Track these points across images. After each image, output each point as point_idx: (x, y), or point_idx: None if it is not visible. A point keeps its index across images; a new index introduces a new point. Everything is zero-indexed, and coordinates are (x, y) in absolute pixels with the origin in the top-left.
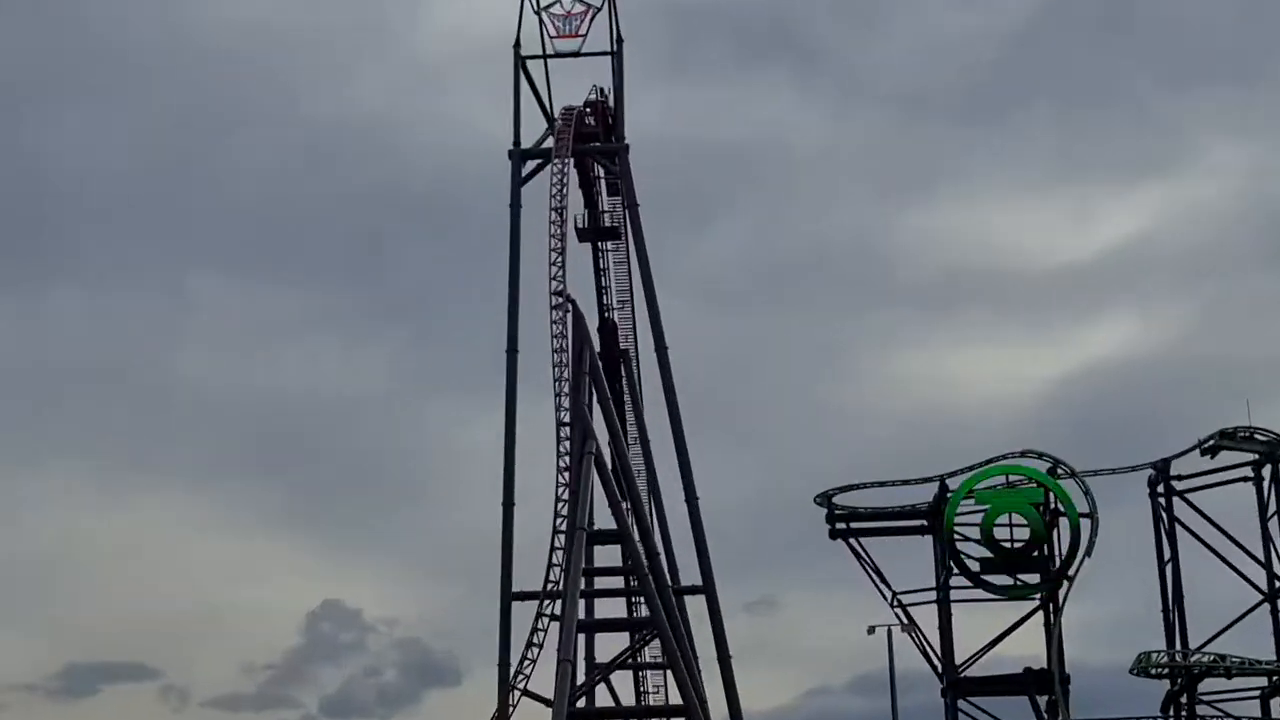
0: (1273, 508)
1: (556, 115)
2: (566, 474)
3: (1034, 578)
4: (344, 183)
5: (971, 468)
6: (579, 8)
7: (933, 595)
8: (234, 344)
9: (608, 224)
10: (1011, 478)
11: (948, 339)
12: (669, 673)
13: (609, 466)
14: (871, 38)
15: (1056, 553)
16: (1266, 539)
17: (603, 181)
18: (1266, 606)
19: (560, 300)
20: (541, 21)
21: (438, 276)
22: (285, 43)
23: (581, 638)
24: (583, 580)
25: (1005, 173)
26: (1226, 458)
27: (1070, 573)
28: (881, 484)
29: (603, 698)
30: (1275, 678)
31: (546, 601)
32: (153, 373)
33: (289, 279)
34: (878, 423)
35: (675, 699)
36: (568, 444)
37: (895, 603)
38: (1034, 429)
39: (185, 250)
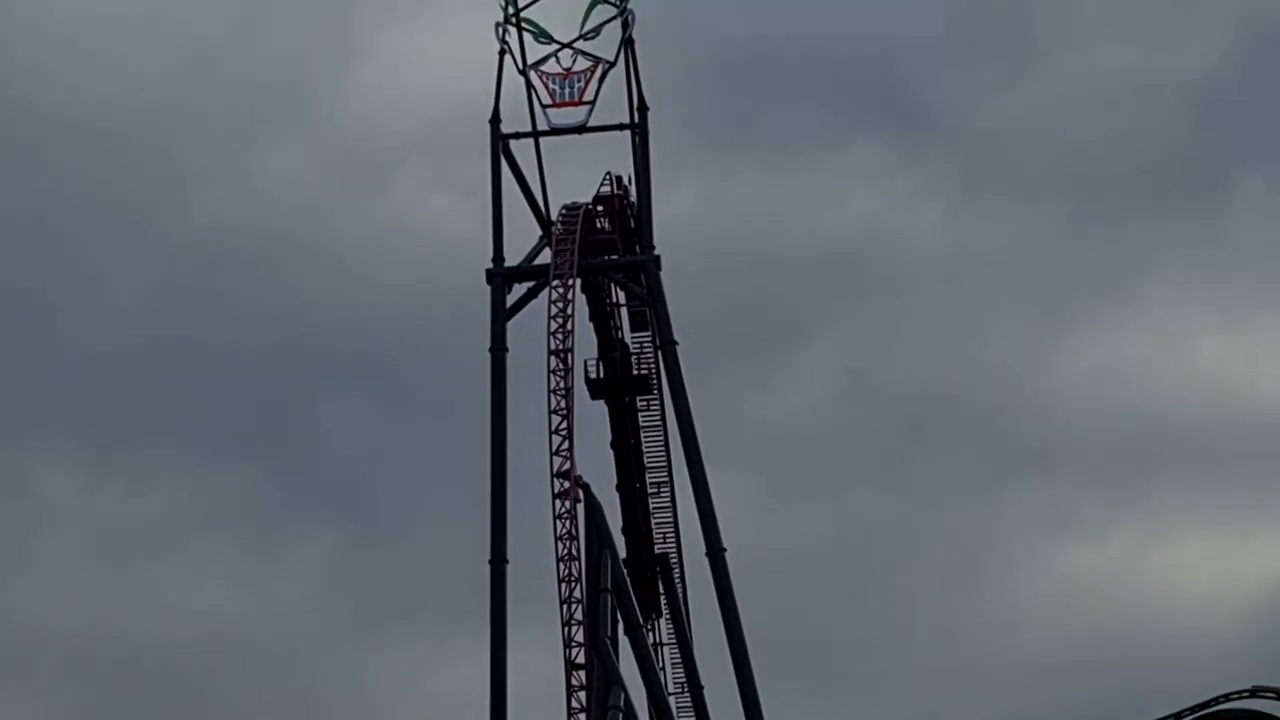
0: None
1: (554, 217)
2: None
3: None
4: (243, 324)
5: (1177, 716)
6: (583, 64)
7: None
8: (88, 560)
9: (634, 371)
10: None
11: (1136, 526)
12: None
13: None
14: (1011, 95)
15: None
16: None
17: (624, 311)
18: None
19: (567, 486)
20: (530, 85)
21: (385, 455)
22: (143, 121)
23: None
24: None
25: (1213, 280)
26: None
27: None
28: None
29: None
30: None
31: None
32: None
33: (165, 464)
34: (1032, 652)
35: None
36: (583, 696)
37: None
38: (1268, 654)
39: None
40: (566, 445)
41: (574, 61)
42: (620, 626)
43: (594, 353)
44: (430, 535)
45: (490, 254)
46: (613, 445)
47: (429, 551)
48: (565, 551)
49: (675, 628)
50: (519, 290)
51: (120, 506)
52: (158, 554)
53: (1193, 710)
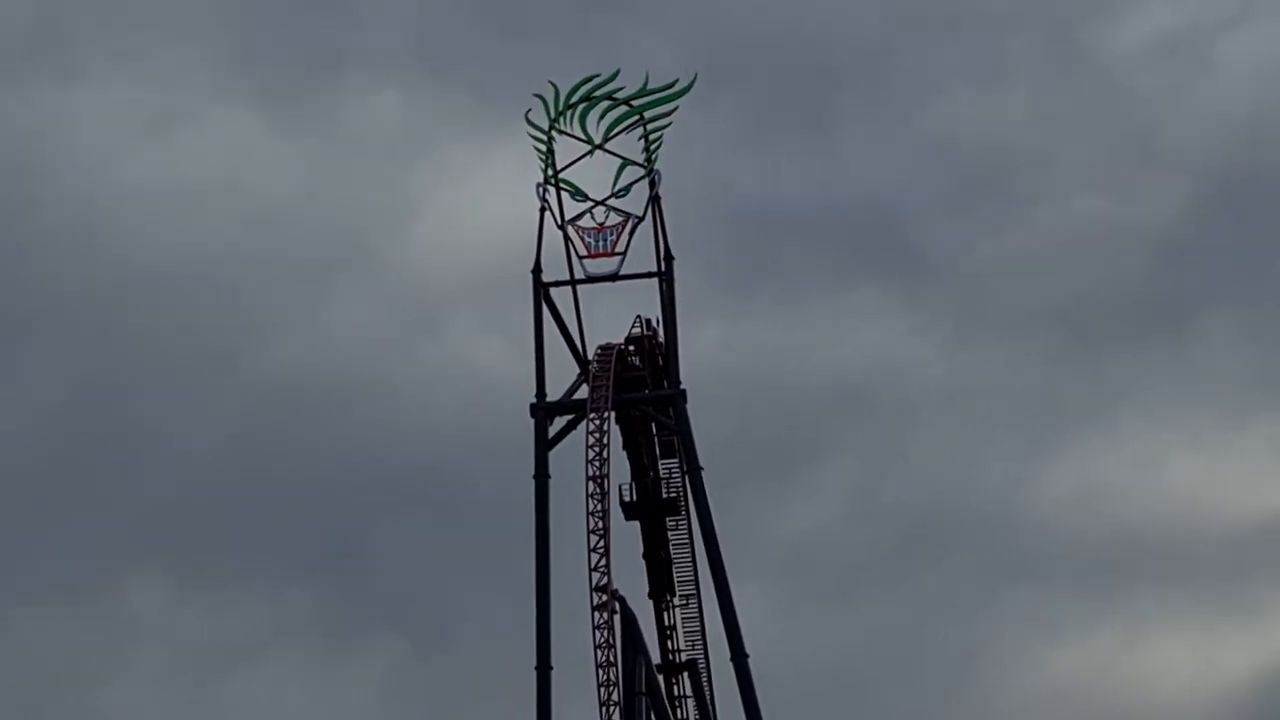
0: None
1: (590, 357)
2: None
3: None
4: (312, 457)
5: None
6: (615, 219)
7: None
8: (174, 670)
9: (664, 495)
10: None
11: (1118, 629)
12: None
13: None
14: (997, 242)
15: None
16: None
17: (655, 440)
18: None
19: (604, 599)
20: (567, 239)
21: (439, 571)
22: (226, 275)
23: None
24: None
25: (1181, 406)
26: None
27: None
28: None
29: None
30: None
31: None
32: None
33: (243, 584)
34: None
35: None
36: None
37: None
38: None
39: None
40: (604, 562)
41: (607, 217)
42: None
43: (628, 478)
44: (481, 645)
45: (534, 390)
46: (645, 556)
47: (480, 659)
48: (603, 659)
49: None
50: (560, 423)
51: (203, 623)
52: (235, 665)
53: None
